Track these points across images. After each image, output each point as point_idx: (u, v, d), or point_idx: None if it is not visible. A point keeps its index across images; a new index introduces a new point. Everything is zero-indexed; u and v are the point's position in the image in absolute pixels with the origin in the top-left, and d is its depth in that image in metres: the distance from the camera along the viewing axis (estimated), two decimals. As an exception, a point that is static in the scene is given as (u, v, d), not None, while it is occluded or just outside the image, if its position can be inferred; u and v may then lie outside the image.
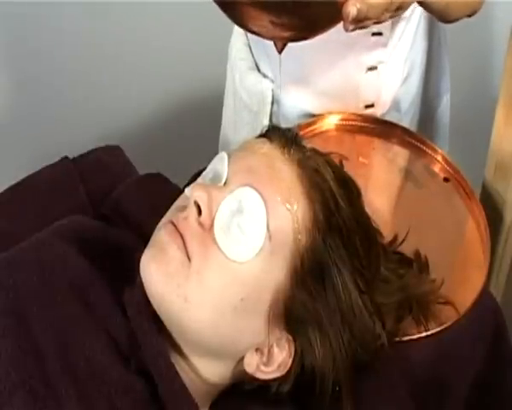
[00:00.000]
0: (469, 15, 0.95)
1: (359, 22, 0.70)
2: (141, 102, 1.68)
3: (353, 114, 1.06)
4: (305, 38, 0.74)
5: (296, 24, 0.71)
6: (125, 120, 1.70)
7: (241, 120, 1.16)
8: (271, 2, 0.69)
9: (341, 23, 0.71)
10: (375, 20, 0.72)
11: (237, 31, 1.15)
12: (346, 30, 0.70)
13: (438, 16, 0.92)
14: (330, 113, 1.06)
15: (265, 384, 0.73)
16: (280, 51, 0.78)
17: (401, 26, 1.03)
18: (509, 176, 1.02)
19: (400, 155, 1.04)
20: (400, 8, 0.73)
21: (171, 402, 0.68)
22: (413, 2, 0.75)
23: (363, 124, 1.06)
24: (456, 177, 1.00)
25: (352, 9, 0.68)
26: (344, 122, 1.06)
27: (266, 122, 1.10)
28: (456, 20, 0.95)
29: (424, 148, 1.03)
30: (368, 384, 0.77)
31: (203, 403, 0.73)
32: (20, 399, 0.64)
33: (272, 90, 1.09)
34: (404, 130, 1.05)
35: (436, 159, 1.02)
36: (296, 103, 1.08)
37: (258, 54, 1.09)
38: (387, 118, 1.08)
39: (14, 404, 0.64)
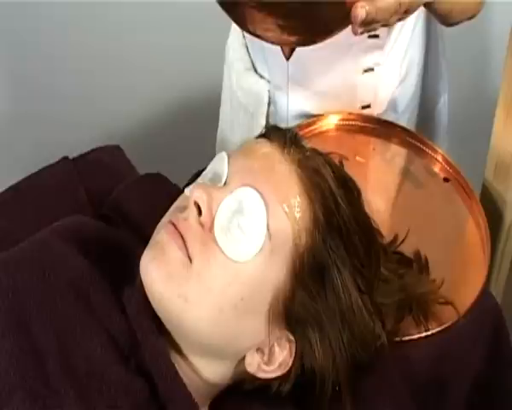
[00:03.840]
0: (470, 18, 0.95)
1: (368, 25, 0.69)
2: (141, 102, 1.68)
3: (353, 114, 1.06)
4: (313, 42, 0.72)
5: (304, 27, 0.70)
6: (125, 120, 1.70)
7: (237, 120, 1.16)
8: (278, 4, 0.67)
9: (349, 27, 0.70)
10: (384, 23, 0.71)
11: (234, 31, 1.15)
12: (355, 33, 0.69)
13: (441, 19, 0.92)
14: (330, 113, 1.06)
15: (266, 384, 0.73)
16: (288, 57, 0.77)
17: (397, 28, 1.03)
18: (509, 176, 1.02)
19: (400, 155, 1.04)
20: (408, 12, 0.72)
21: (171, 402, 0.68)
22: (420, 5, 0.74)
23: (363, 124, 1.06)
24: (456, 177, 1.00)
25: (360, 12, 0.67)
26: (344, 122, 1.06)
27: (263, 123, 1.10)
28: (458, 23, 0.95)
29: (424, 148, 1.03)
30: (368, 384, 0.77)
31: (203, 403, 0.73)
32: (20, 399, 0.64)
33: (269, 91, 1.09)
34: (404, 130, 1.05)
35: (436, 159, 1.02)
36: (293, 104, 1.08)
37: (255, 55, 1.09)
38: (384, 118, 1.08)
39: (13, 404, 0.64)
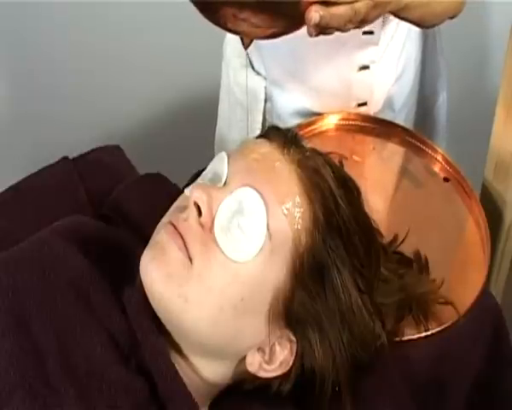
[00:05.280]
0: (451, 17, 0.94)
1: (322, 29, 0.70)
2: (141, 102, 1.68)
3: (353, 113, 1.06)
4: (268, 38, 0.73)
5: (258, 21, 0.70)
6: (125, 120, 1.70)
7: (234, 117, 1.16)
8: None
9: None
10: (339, 30, 0.71)
11: None
12: (310, 35, 0.70)
13: (415, 25, 0.92)
14: (330, 113, 1.06)
15: (266, 384, 0.73)
16: (246, 47, 0.78)
17: (393, 25, 1.03)
18: (509, 176, 1.02)
19: (400, 154, 1.04)
20: (364, 21, 0.72)
21: (171, 401, 0.68)
22: (379, 17, 0.75)
23: (362, 124, 1.06)
24: (456, 177, 1.00)
25: (314, 16, 0.68)
26: (344, 122, 1.06)
27: (259, 119, 1.10)
28: (436, 25, 0.94)
29: (424, 147, 1.03)
30: (368, 384, 0.77)
31: (203, 402, 0.73)
32: (20, 398, 0.64)
33: (265, 88, 1.09)
34: (404, 130, 1.05)
35: (436, 159, 1.02)
36: (289, 100, 1.08)
37: (251, 51, 1.09)
38: (381, 116, 1.08)
39: (13, 403, 0.64)
